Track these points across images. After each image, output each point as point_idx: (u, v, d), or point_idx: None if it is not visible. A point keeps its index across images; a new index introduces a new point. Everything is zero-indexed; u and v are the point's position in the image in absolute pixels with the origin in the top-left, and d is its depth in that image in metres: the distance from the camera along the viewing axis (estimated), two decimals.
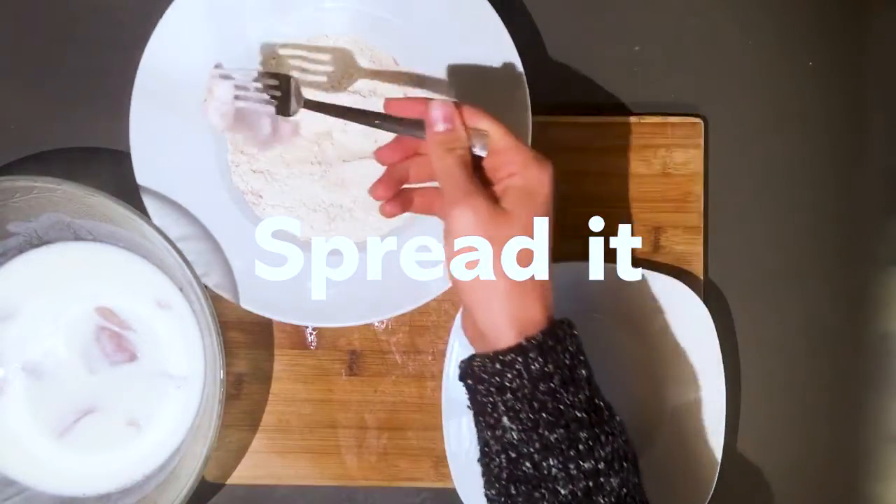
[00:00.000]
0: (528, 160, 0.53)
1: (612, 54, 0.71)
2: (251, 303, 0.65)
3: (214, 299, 0.62)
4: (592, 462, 0.49)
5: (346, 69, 0.67)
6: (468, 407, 0.53)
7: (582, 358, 0.51)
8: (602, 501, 0.49)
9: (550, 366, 0.49)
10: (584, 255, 0.67)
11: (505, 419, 0.50)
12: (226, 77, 0.59)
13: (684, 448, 0.65)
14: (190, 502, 0.61)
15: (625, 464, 0.50)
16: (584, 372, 0.51)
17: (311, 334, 0.69)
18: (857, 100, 0.71)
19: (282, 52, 0.67)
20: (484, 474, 0.52)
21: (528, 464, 0.49)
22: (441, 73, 0.67)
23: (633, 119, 0.69)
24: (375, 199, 0.57)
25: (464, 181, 0.52)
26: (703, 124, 0.69)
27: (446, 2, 0.66)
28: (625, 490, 0.50)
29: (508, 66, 0.65)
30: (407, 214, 0.67)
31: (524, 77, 0.65)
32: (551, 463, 0.49)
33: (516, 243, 0.51)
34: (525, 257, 0.51)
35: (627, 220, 0.69)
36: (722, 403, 0.65)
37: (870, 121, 0.71)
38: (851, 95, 0.71)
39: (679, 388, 0.66)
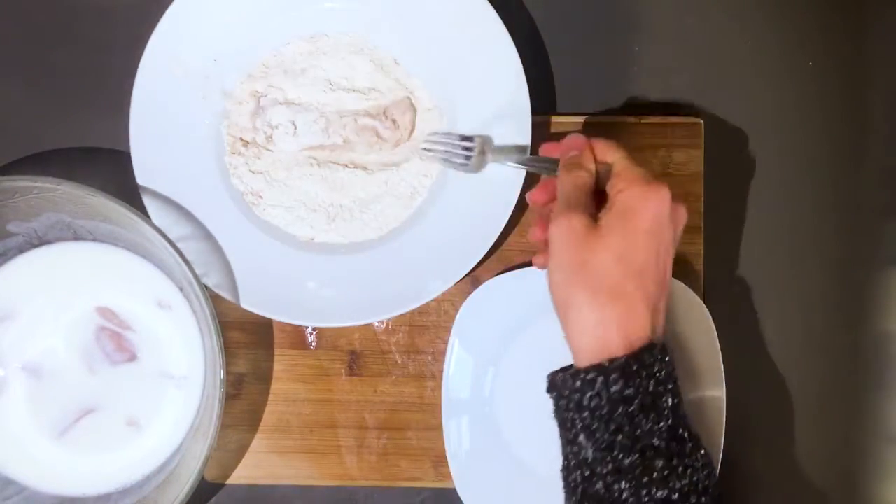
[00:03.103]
0: (636, 179, 0.52)
1: (612, 54, 0.71)
2: (251, 303, 0.65)
3: (214, 299, 0.62)
4: (665, 491, 0.48)
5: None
6: (552, 417, 0.53)
7: (670, 386, 0.50)
8: None
9: (631, 389, 0.49)
10: None
11: (582, 437, 0.50)
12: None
13: None
14: (190, 502, 0.61)
15: (703, 499, 0.49)
16: (669, 401, 0.50)
17: (311, 334, 0.69)
18: (857, 100, 0.71)
19: (291, 48, 0.68)
20: (564, 487, 0.52)
21: (600, 483, 0.49)
22: (441, 73, 0.67)
23: (633, 119, 0.69)
24: (532, 240, 0.58)
25: (570, 197, 0.53)
26: (703, 124, 0.69)
27: (446, 2, 0.66)
28: None
29: (508, 66, 0.65)
30: (405, 215, 0.67)
31: (524, 77, 0.65)
32: (623, 486, 0.49)
33: (601, 263, 0.50)
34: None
35: None
36: (722, 403, 0.65)
37: (870, 121, 0.71)
38: (851, 95, 0.71)
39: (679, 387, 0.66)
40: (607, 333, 0.50)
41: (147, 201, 0.65)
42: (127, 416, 0.67)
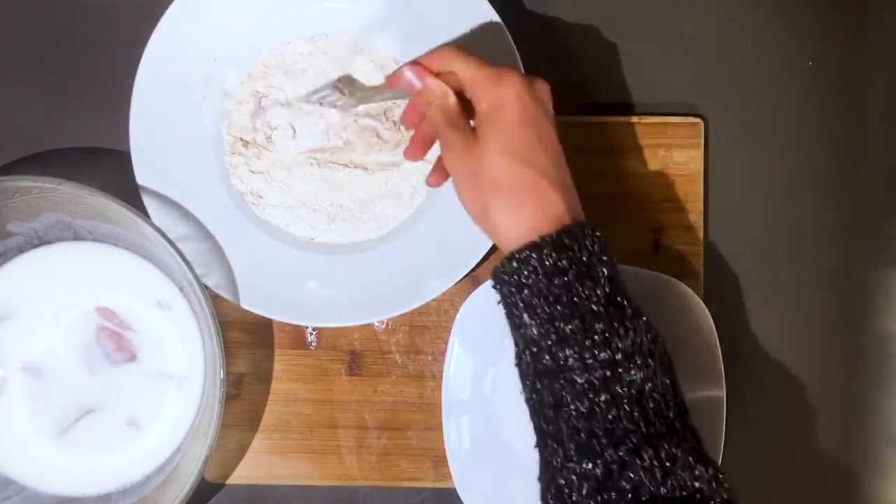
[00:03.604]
0: (486, 82, 0.54)
1: (613, 54, 0.71)
2: (251, 303, 0.65)
3: (214, 299, 0.62)
4: (609, 353, 0.49)
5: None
6: (497, 303, 0.53)
7: (604, 258, 0.51)
8: (621, 391, 0.49)
9: (564, 261, 0.50)
10: None
11: (525, 315, 0.51)
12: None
13: None
14: (190, 502, 0.61)
15: (650, 360, 0.50)
16: (604, 270, 0.51)
17: (311, 334, 0.69)
18: (857, 100, 0.71)
19: (291, 48, 0.68)
20: (519, 377, 0.53)
21: (546, 356, 0.50)
22: None
23: (633, 119, 0.69)
24: (409, 159, 0.62)
25: (444, 126, 0.55)
26: (703, 124, 0.69)
27: (446, 2, 0.66)
28: (650, 385, 0.49)
29: (509, 67, 0.65)
30: (405, 215, 0.67)
31: None
32: (567, 353, 0.50)
33: (490, 166, 0.52)
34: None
35: (627, 220, 0.69)
36: (722, 403, 0.65)
37: (870, 121, 0.71)
38: (851, 95, 0.71)
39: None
40: (528, 221, 0.51)
41: (147, 201, 0.65)
42: (127, 416, 0.67)
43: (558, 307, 0.50)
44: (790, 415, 0.69)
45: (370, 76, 0.67)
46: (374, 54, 0.68)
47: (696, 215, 0.69)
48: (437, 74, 0.56)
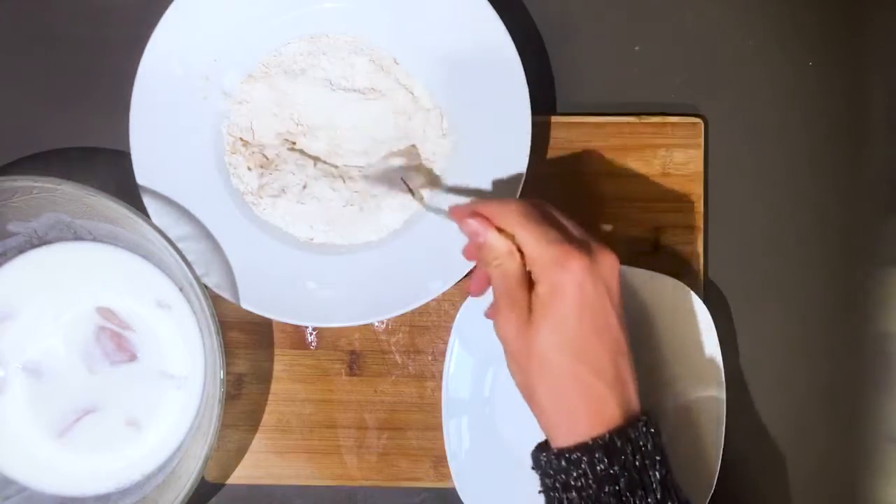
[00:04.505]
0: (546, 264, 0.51)
1: (612, 54, 0.71)
2: (251, 303, 0.65)
3: (214, 299, 0.62)
4: None
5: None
6: (539, 492, 0.52)
7: (658, 458, 0.50)
8: None
9: (616, 468, 0.48)
10: None
11: None
12: None
13: (684, 448, 0.65)
14: (190, 502, 0.61)
15: None
16: (657, 474, 0.50)
17: (311, 334, 0.69)
18: (857, 100, 0.71)
19: (292, 47, 0.67)
20: None
21: None
22: (441, 73, 0.67)
23: (633, 119, 0.69)
24: (475, 296, 0.59)
25: (503, 292, 0.52)
26: (703, 124, 0.69)
27: (446, 2, 0.66)
28: None
29: (508, 67, 0.65)
30: (406, 216, 0.67)
31: (524, 77, 0.65)
32: None
33: (540, 356, 0.50)
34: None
35: (627, 220, 0.69)
36: (722, 403, 0.65)
37: (870, 121, 0.71)
38: (851, 95, 0.71)
39: (679, 388, 0.66)
40: (571, 419, 0.50)
41: (147, 201, 0.65)
42: (127, 416, 0.67)
43: None
44: (790, 415, 0.69)
45: (370, 76, 0.67)
46: (374, 54, 0.68)
47: (696, 215, 0.69)
48: (500, 230, 0.53)
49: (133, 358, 0.67)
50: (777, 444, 0.69)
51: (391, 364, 0.69)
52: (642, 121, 0.69)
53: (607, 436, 0.49)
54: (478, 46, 0.66)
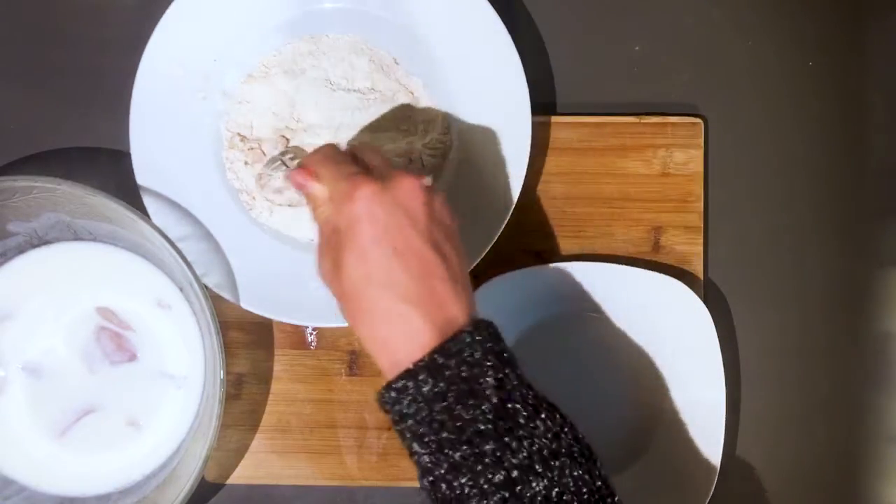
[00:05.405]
0: (340, 200, 0.52)
1: (612, 54, 0.71)
2: (251, 303, 0.65)
3: (214, 299, 0.62)
4: (503, 472, 0.47)
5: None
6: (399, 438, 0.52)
7: (489, 363, 0.48)
8: None
9: (442, 384, 0.48)
10: (583, 256, 0.67)
11: (415, 444, 0.48)
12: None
13: (684, 448, 0.65)
14: (190, 502, 0.61)
15: (553, 462, 0.47)
16: (490, 379, 0.48)
17: (311, 334, 0.69)
18: (857, 100, 0.71)
19: (292, 47, 0.67)
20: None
21: (443, 485, 0.47)
22: (441, 73, 0.67)
23: (633, 119, 0.69)
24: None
25: (320, 239, 0.53)
26: (703, 124, 0.69)
27: (446, 2, 0.66)
28: (557, 489, 0.47)
29: (508, 66, 0.65)
30: None
31: (524, 77, 0.65)
32: (462, 482, 0.47)
33: (351, 295, 0.51)
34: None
35: (627, 220, 0.69)
36: (722, 403, 0.65)
37: (869, 121, 0.71)
38: (851, 96, 0.71)
39: (679, 388, 0.66)
40: (389, 349, 0.49)
41: (147, 201, 0.65)
42: (127, 416, 0.67)
43: (444, 434, 0.47)
44: (790, 414, 0.69)
45: (370, 76, 0.67)
46: (374, 54, 0.68)
47: (696, 215, 0.69)
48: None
49: (133, 358, 0.67)
50: (777, 444, 0.69)
51: None
52: (642, 121, 0.69)
53: (426, 357, 0.48)
54: (478, 46, 0.66)
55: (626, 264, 0.65)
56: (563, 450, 0.48)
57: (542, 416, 0.48)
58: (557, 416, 0.49)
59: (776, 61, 0.71)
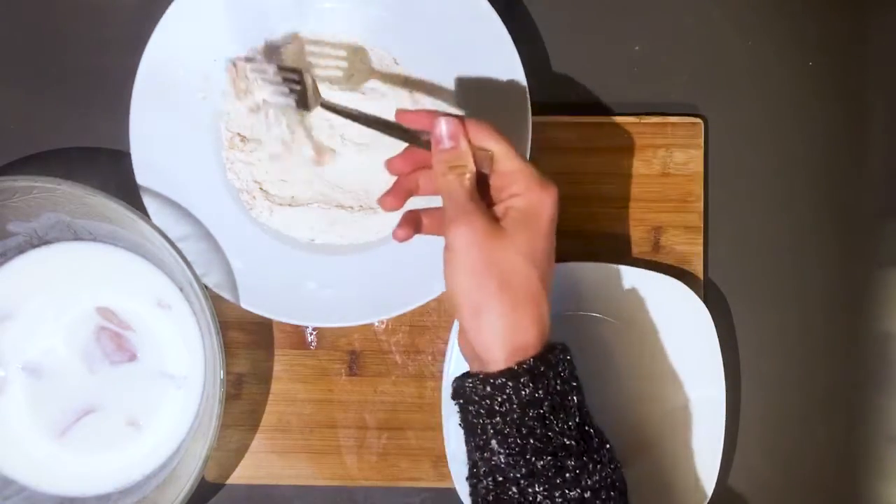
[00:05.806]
0: (532, 182, 0.52)
1: (612, 54, 0.71)
2: (251, 303, 0.65)
3: (214, 299, 0.62)
4: (578, 491, 0.49)
5: (359, 67, 0.67)
6: (459, 425, 0.52)
7: (574, 384, 0.51)
8: None
9: (541, 392, 0.49)
10: (583, 256, 0.67)
11: (493, 442, 0.49)
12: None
13: (684, 448, 0.65)
14: (190, 502, 0.61)
15: (612, 493, 0.49)
16: (575, 398, 0.50)
17: (311, 334, 0.69)
18: (857, 100, 0.71)
19: (291, 47, 0.67)
20: (471, 494, 0.52)
21: (513, 489, 0.49)
22: (441, 74, 0.67)
23: (633, 119, 0.69)
24: (385, 209, 0.57)
25: (464, 200, 0.51)
26: (703, 124, 0.69)
27: (446, 2, 0.66)
28: None
29: (508, 67, 0.65)
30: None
31: (524, 77, 0.65)
32: (537, 489, 0.48)
33: (510, 264, 0.50)
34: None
35: (627, 220, 0.69)
36: (722, 403, 0.65)
37: (869, 121, 0.71)
38: (851, 96, 0.71)
39: (679, 388, 0.66)
40: (525, 337, 0.50)
41: (147, 201, 0.65)
42: (127, 416, 0.67)
43: (531, 440, 0.49)
44: (790, 414, 0.69)
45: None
46: (374, 54, 0.68)
47: (696, 215, 0.69)
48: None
49: (133, 358, 0.67)
50: (777, 444, 0.69)
51: (391, 364, 0.69)
52: (642, 121, 0.69)
53: (531, 361, 0.49)
54: (478, 46, 0.66)
55: (626, 264, 0.66)
56: (617, 483, 0.50)
57: (607, 446, 0.51)
58: (611, 449, 0.51)
59: (776, 61, 0.71)
